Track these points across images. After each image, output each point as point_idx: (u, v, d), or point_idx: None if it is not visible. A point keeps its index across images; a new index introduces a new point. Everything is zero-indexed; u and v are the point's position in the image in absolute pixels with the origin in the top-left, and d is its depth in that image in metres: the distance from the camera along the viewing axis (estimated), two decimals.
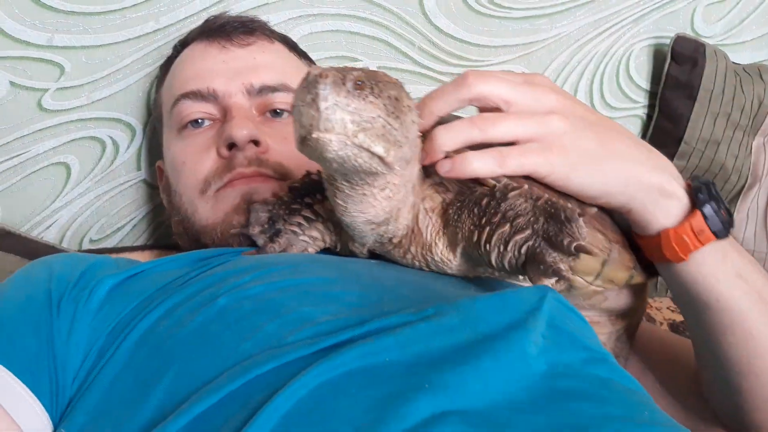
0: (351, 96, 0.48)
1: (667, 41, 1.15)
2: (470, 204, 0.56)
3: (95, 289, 0.61)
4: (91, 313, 0.59)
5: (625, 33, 1.15)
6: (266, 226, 0.67)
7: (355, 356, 0.46)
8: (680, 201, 0.59)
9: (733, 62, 1.16)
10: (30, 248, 0.88)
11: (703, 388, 0.70)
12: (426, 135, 0.57)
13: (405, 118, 0.52)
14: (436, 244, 0.58)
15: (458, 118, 0.58)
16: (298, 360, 0.46)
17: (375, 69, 0.53)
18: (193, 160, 0.79)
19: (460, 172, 0.55)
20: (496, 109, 0.57)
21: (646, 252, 0.62)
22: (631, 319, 0.70)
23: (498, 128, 0.55)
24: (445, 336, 0.47)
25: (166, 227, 1.04)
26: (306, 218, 0.66)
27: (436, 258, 0.59)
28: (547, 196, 0.53)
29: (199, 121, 0.81)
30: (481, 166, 0.54)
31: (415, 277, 0.58)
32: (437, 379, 0.44)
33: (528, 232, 0.51)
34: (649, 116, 1.19)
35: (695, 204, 0.58)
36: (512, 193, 0.54)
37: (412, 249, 0.60)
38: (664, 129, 1.16)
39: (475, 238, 0.54)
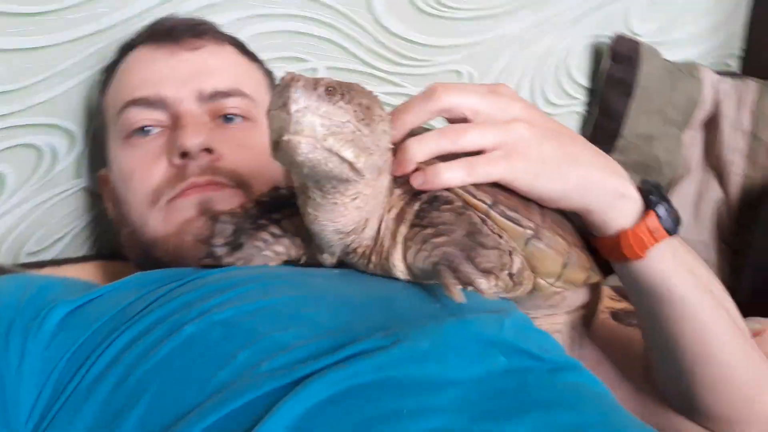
0: (321, 100, 0.49)
1: (606, 40, 1.19)
2: (411, 210, 0.58)
3: (47, 317, 0.57)
4: (42, 343, 0.56)
5: (566, 32, 1.17)
6: (230, 238, 0.66)
7: (332, 382, 0.46)
8: (635, 203, 0.62)
9: (667, 60, 1.21)
10: None
11: (654, 374, 0.73)
12: (397, 147, 0.58)
13: (376, 127, 0.52)
14: (390, 251, 0.59)
15: (428, 130, 0.59)
16: (275, 390, 0.46)
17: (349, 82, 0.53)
18: (142, 170, 0.76)
19: (432, 184, 0.56)
20: (465, 121, 0.58)
21: (602, 252, 0.64)
22: (586, 310, 0.73)
23: (466, 137, 0.56)
24: (417, 361, 0.48)
25: (109, 236, 1.00)
26: (272, 234, 0.65)
27: (390, 265, 0.60)
28: (470, 212, 0.56)
29: (147, 128, 0.77)
30: (451, 176, 0.56)
31: (381, 292, 0.58)
32: (414, 402, 0.45)
33: (445, 238, 0.54)
34: (588, 113, 1.23)
35: (648, 205, 0.62)
36: (445, 206, 0.57)
37: (374, 258, 0.60)
38: (601, 125, 1.20)
39: (402, 236, 0.57)
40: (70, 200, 0.96)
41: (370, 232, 0.59)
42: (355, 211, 0.56)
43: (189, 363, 0.50)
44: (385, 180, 0.58)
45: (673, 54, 1.26)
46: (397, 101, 1.09)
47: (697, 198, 1.23)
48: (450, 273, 0.53)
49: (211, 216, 0.68)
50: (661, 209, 0.61)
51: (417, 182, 0.56)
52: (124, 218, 0.79)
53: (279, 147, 0.50)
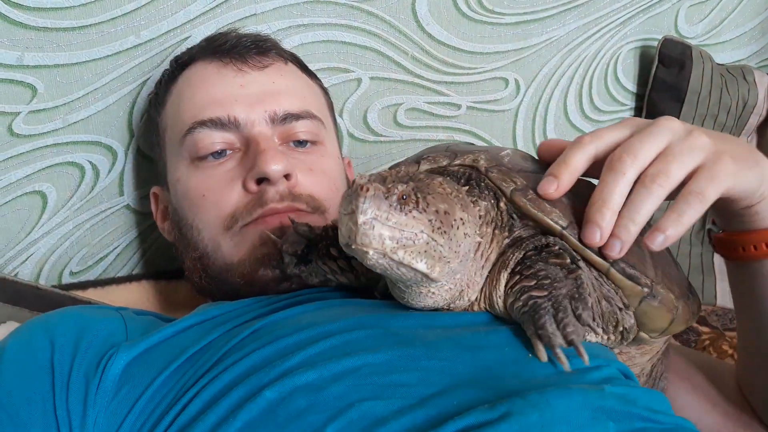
0: (392, 210, 0.47)
1: (653, 43, 1.15)
2: (514, 257, 0.56)
3: (109, 365, 0.56)
4: (107, 395, 0.54)
5: (613, 36, 1.14)
6: (299, 252, 0.65)
7: None
8: None
9: (718, 63, 1.16)
10: (11, 291, 0.81)
11: (748, 393, 0.71)
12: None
13: (455, 233, 0.50)
14: (492, 296, 0.58)
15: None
16: None
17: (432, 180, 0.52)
18: (215, 194, 0.73)
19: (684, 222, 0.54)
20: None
21: (738, 249, 0.62)
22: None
23: (673, 176, 0.55)
24: None
25: (152, 254, 0.97)
26: (340, 267, 0.64)
27: (496, 307, 0.58)
28: (580, 272, 0.53)
29: (220, 151, 0.75)
30: (693, 213, 0.53)
31: (466, 339, 0.55)
32: None
33: (545, 293, 0.52)
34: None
35: None
36: (554, 259, 0.54)
37: (479, 305, 0.58)
38: None
39: (503, 283, 0.55)
40: (113, 219, 0.94)
41: (474, 294, 0.57)
42: (446, 293, 0.55)
43: None
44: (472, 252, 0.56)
45: (720, 57, 1.21)
46: (442, 110, 1.06)
47: None
48: (533, 330, 0.51)
49: (292, 223, 0.67)
50: None
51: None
52: (190, 243, 0.76)
53: (349, 247, 0.48)
